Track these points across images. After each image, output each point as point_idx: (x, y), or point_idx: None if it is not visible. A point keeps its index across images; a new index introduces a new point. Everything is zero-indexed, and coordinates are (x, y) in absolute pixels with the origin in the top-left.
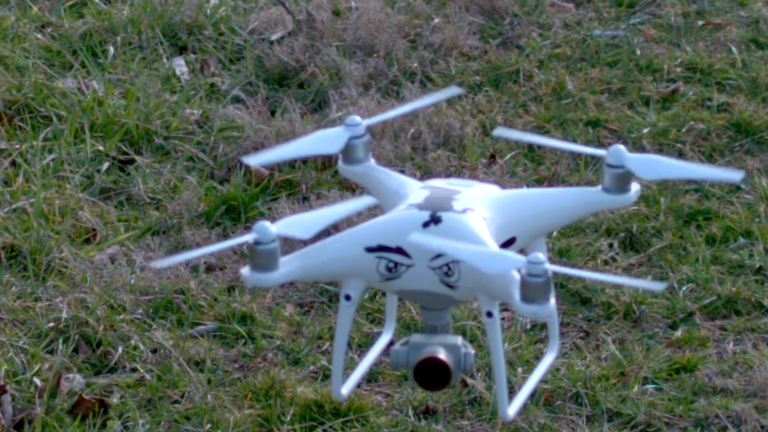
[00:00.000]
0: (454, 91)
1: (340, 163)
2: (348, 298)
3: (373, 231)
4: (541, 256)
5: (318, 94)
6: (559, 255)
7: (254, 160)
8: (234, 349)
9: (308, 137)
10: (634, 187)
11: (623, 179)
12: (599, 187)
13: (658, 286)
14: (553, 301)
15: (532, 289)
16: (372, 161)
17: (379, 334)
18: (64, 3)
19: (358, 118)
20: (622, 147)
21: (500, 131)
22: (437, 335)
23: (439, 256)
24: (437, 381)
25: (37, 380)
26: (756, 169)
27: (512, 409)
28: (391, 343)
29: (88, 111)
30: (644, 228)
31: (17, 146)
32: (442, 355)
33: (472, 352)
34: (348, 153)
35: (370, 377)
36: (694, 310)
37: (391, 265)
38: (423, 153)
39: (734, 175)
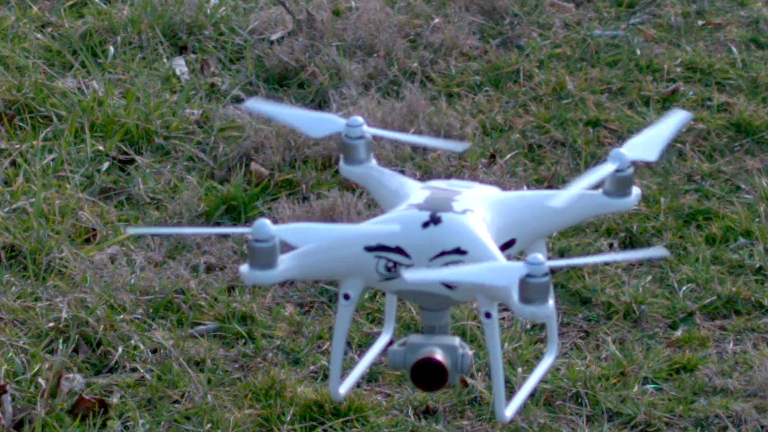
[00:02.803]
0: (464, 145)
1: (341, 163)
2: (347, 297)
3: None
4: (540, 257)
5: (318, 94)
6: (560, 255)
7: (254, 104)
8: (234, 349)
9: (309, 113)
10: (635, 191)
11: (624, 183)
12: (600, 190)
13: (662, 252)
14: (551, 301)
15: (531, 289)
16: (373, 162)
17: (379, 334)
18: (64, 3)
19: (359, 119)
20: (623, 151)
21: None
22: (435, 336)
23: (438, 256)
24: (434, 382)
25: (40, 380)
26: (756, 169)
27: (509, 411)
28: (390, 343)
29: (88, 111)
30: (644, 228)
31: (17, 146)
32: (439, 355)
33: (470, 352)
34: (349, 153)
35: (370, 377)
36: (694, 310)
37: (391, 264)
38: (423, 153)
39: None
